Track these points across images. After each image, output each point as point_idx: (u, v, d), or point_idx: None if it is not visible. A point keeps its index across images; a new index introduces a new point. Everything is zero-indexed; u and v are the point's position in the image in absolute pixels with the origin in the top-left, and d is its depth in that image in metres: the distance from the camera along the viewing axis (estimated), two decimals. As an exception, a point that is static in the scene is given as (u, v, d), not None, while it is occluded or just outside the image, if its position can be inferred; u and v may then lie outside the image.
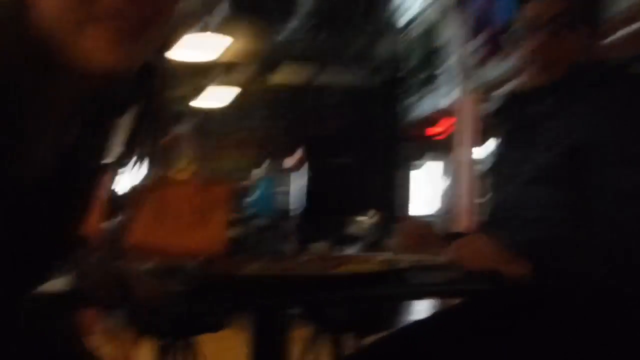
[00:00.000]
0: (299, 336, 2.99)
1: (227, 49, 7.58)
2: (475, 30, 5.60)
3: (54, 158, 0.69)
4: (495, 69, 5.45)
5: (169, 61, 0.71)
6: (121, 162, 0.76)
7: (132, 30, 0.60)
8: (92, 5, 0.59)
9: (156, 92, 0.73)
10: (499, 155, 1.60)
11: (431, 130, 10.30)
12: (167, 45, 0.72)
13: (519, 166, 1.44)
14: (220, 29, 7.33)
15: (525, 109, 1.49)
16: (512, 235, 1.34)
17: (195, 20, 5.92)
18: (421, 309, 5.81)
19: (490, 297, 1.35)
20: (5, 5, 0.62)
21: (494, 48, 5.36)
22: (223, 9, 7.10)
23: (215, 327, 2.47)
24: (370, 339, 2.58)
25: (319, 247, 1.71)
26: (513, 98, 1.54)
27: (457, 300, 1.63)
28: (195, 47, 5.44)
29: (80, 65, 0.61)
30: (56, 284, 1.10)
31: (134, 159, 0.76)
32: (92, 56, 0.60)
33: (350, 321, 2.48)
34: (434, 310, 5.16)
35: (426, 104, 8.33)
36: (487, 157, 1.64)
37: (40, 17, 0.60)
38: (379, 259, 1.13)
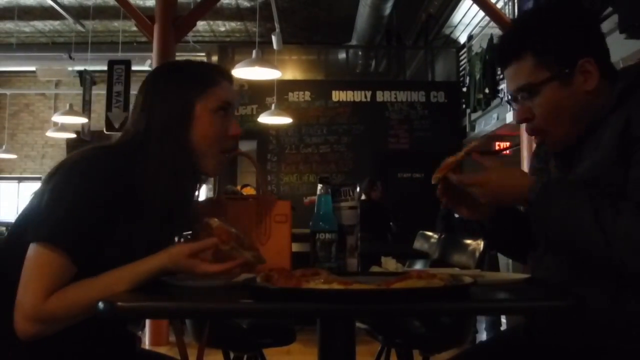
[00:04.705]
0: (367, 351, 2.99)
1: (291, 68, 7.67)
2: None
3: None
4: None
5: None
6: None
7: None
8: (222, 149, 1.49)
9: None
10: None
11: (498, 146, 10.12)
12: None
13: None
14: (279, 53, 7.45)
15: None
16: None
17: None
18: (488, 326, 5.69)
19: (556, 316, 1.31)
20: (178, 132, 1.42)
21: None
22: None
23: (283, 341, 2.48)
24: (436, 357, 2.56)
25: (385, 261, 1.70)
26: None
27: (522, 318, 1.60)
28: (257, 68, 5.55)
29: (204, 170, 1.48)
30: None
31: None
32: (212, 170, 1.49)
33: (417, 337, 2.46)
34: (500, 330, 5.03)
35: (493, 119, 8.20)
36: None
37: (196, 146, 1.43)
38: (445, 274, 1.12)
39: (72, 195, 1.27)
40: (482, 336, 5.34)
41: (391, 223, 7.03)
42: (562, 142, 1.39)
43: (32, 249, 1.25)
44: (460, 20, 9.73)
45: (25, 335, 1.22)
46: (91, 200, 1.27)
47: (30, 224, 1.28)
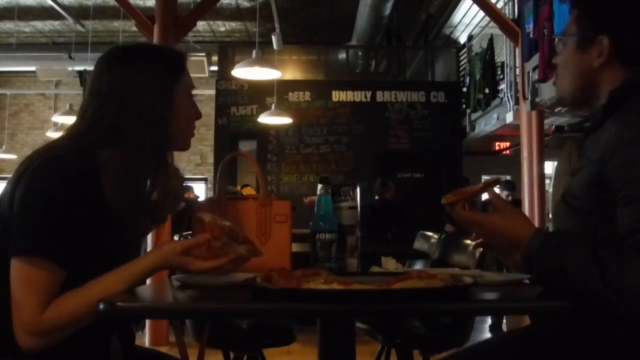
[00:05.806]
0: (367, 351, 2.99)
1: (291, 68, 7.66)
2: (536, 45, 5.47)
3: None
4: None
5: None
6: None
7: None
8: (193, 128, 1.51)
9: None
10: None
11: (498, 146, 10.13)
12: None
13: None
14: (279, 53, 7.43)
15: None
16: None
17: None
18: (488, 326, 5.69)
19: (556, 316, 1.31)
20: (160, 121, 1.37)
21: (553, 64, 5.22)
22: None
23: (283, 341, 2.48)
24: (436, 357, 2.56)
25: (385, 261, 1.70)
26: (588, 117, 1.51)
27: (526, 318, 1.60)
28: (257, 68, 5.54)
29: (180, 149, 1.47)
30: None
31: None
32: (187, 146, 1.47)
33: (417, 337, 2.46)
34: (502, 331, 5.01)
35: (493, 119, 8.21)
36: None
37: (175, 132, 1.40)
38: (445, 274, 1.12)
39: (42, 200, 1.22)
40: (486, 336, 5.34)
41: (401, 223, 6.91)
42: (560, 92, 1.46)
43: (16, 264, 1.20)
44: (460, 20, 9.74)
45: (30, 349, 1.20)
46: (62, 201, 1.22)
47: (9, 238, 1.23)
